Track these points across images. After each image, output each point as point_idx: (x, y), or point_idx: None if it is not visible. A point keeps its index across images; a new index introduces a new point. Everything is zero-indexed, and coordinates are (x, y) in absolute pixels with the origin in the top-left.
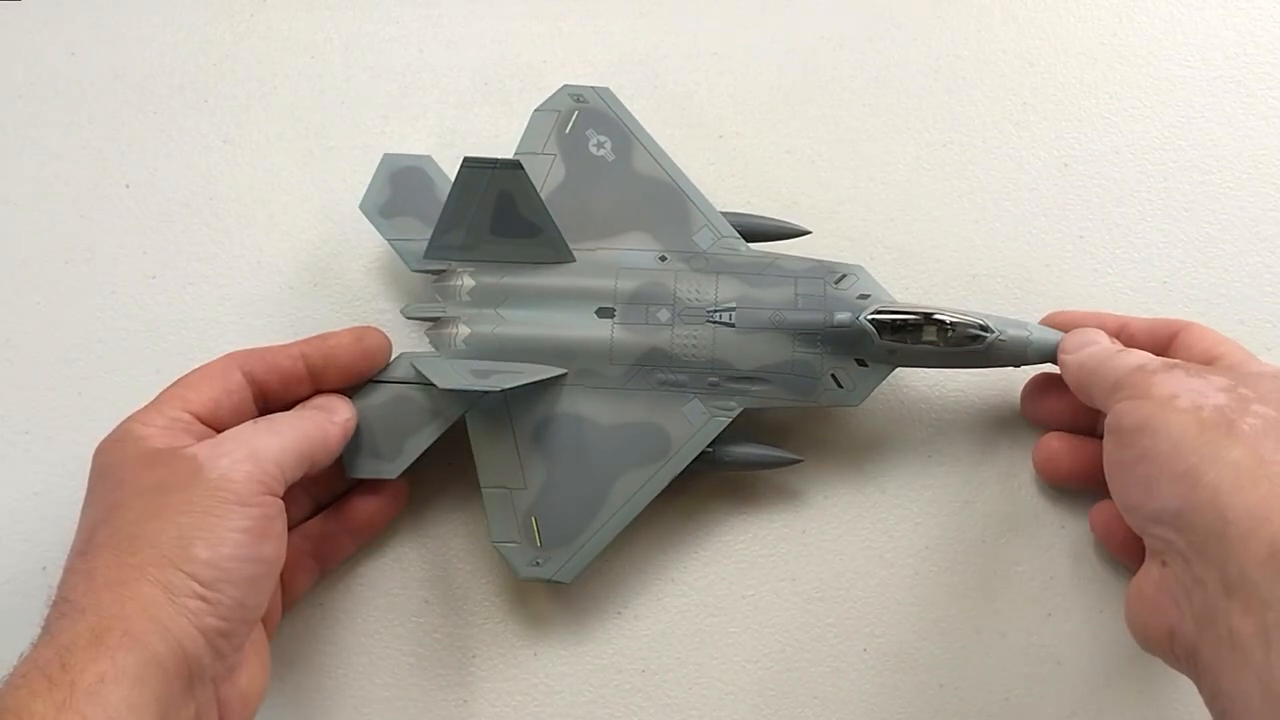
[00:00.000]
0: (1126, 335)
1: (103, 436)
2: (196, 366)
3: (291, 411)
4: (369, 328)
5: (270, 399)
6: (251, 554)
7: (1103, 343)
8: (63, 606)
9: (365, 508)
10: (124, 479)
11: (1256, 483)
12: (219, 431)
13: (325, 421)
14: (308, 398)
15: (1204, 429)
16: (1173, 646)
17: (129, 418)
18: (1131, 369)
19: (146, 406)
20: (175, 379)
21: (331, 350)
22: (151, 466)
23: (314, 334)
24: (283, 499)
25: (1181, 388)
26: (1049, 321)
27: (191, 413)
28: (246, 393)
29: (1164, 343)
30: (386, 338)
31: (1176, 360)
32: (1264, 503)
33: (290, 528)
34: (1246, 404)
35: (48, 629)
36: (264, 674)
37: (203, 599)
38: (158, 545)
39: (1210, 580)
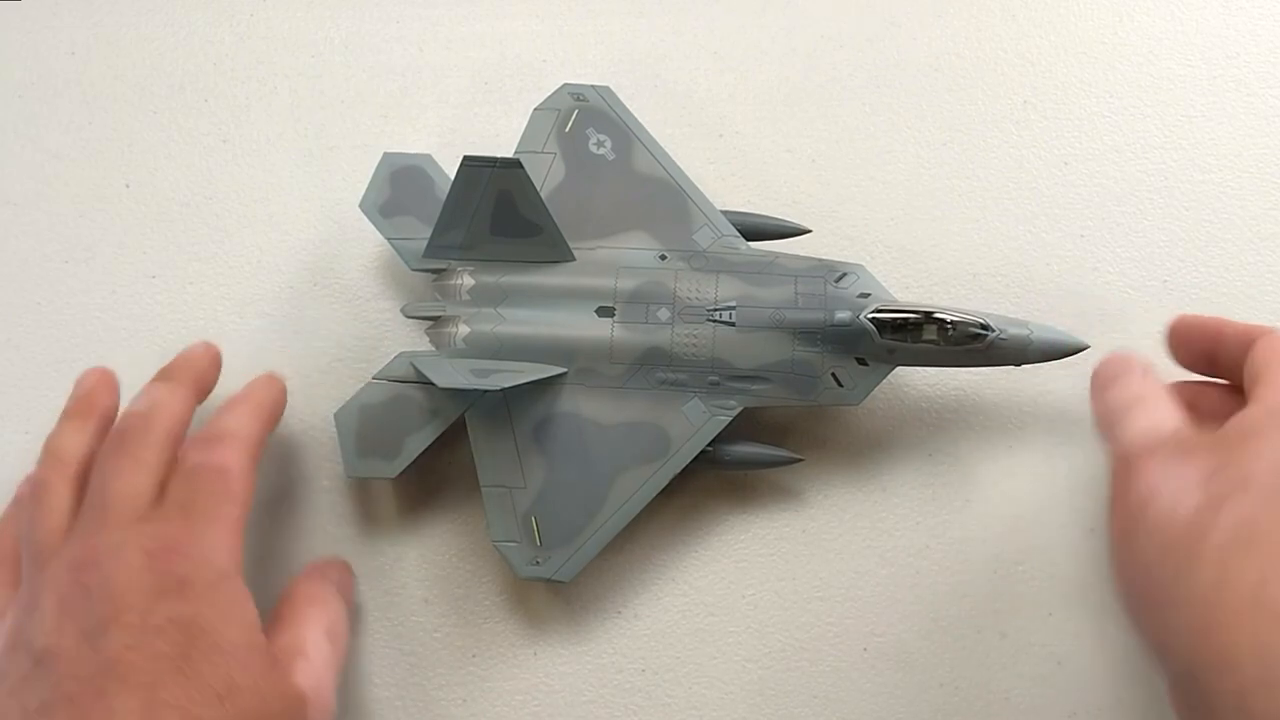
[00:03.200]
0: (1217, 338)
1: None
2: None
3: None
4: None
5: None
6: None
7: (1127, 385)
8: None
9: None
10: None
11: (1221, 623)
12: None
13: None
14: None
15: (1169, 553)
16: None
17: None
18: (1124, 446)
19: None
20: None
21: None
22: None
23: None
24: None
25: (1160, 484)
26: (1177, 325)
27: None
28: None
29: (1242, 351)
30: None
31: (1175, 428)
32: (1228, 649)
33: None
34: (1222, 501)
35: None
36: None
37: None
38: None
39: (1190, 706)
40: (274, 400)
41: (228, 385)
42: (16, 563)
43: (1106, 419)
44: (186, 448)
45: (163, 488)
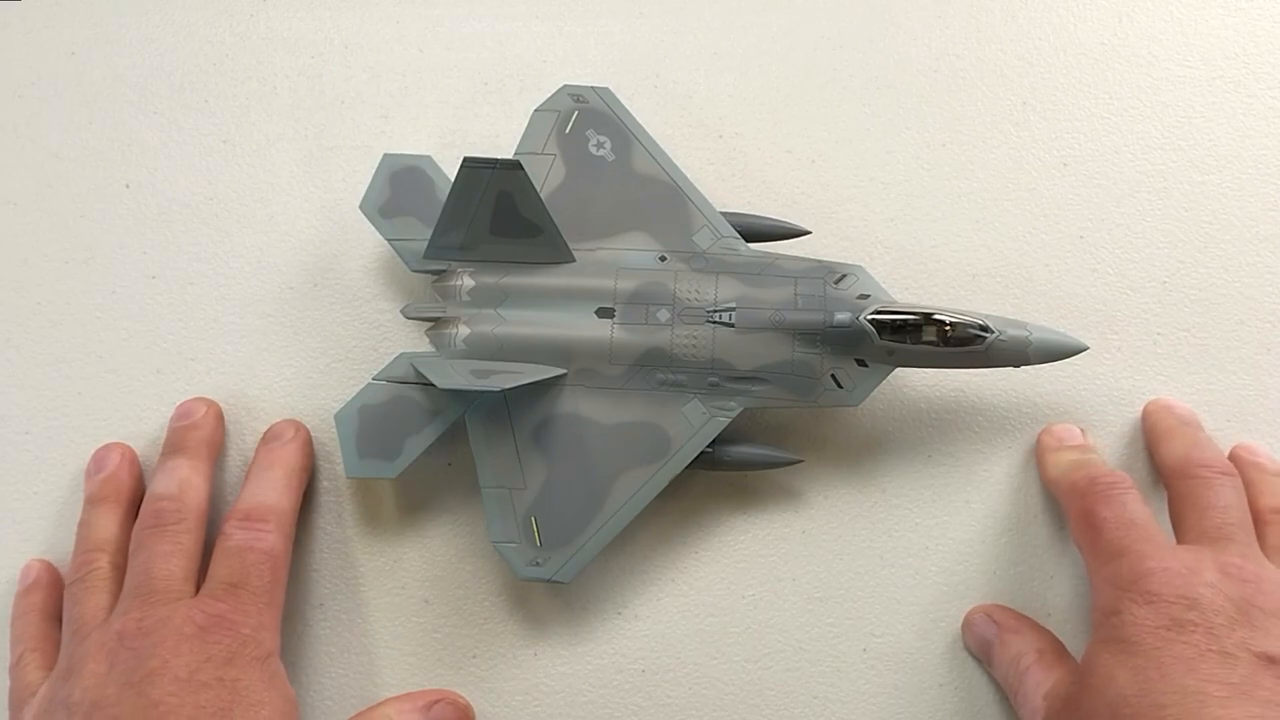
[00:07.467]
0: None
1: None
2: None
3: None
4: None
5: None
6: None
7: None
8: None
9: None
10: None
11: None
12: None
13: None
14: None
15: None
16: None
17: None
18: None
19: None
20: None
21: None
22: None
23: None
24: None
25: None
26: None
27: None
28: None
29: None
30: None
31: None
32: None
33: None
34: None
35: None
36: None
37: None
38: None
39: None
40: (305, 464)
41: (230, 384)
42: (51, 646)
43: (1005, 683)
44: (230, 523)
45: (199, 565)
